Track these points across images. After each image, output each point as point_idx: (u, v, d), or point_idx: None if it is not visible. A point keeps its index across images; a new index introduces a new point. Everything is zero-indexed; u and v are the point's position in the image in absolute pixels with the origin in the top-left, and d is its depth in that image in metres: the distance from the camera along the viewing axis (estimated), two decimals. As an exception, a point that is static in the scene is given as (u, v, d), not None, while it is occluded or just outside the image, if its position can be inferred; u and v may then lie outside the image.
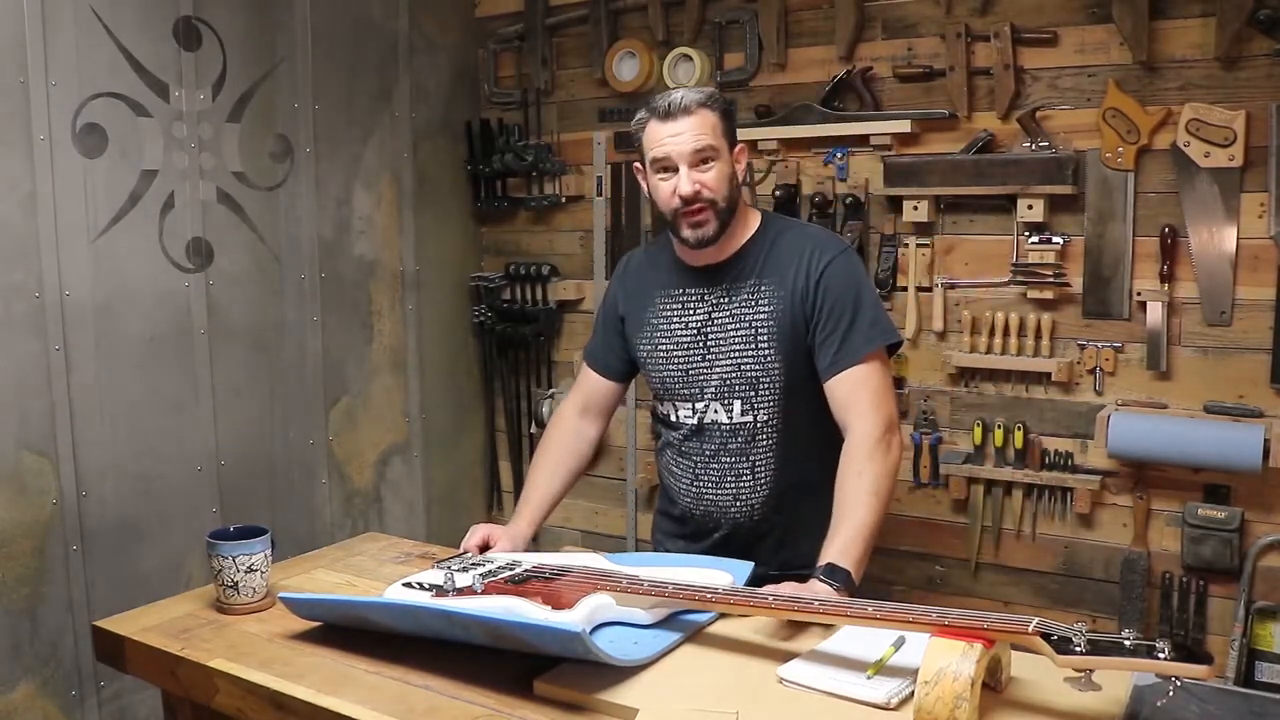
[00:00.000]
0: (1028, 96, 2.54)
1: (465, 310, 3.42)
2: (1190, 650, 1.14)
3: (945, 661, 1.21)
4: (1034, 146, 2.50)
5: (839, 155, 2.78)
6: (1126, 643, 1.17)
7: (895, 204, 2.70)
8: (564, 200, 3.26)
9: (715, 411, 1.90)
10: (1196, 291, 2.41)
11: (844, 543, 1.67)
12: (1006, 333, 2.59)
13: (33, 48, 2.26)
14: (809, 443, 1.89)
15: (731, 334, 1.88)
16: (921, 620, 1.30)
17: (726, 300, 1.89)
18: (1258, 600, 2.40)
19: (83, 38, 2.35)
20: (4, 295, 2.26)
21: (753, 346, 1.86)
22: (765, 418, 1.88)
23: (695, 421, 1.92)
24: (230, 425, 2.73)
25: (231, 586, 1.67)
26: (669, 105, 1.81)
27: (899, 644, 1.41)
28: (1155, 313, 2.43)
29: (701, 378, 1.90)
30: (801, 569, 1.79)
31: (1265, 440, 2.26)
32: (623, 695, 1.34)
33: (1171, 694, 1.17)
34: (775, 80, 2.87)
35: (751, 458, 1.90)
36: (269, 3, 2.75)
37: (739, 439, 1.90)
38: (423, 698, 1.38)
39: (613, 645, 1.43)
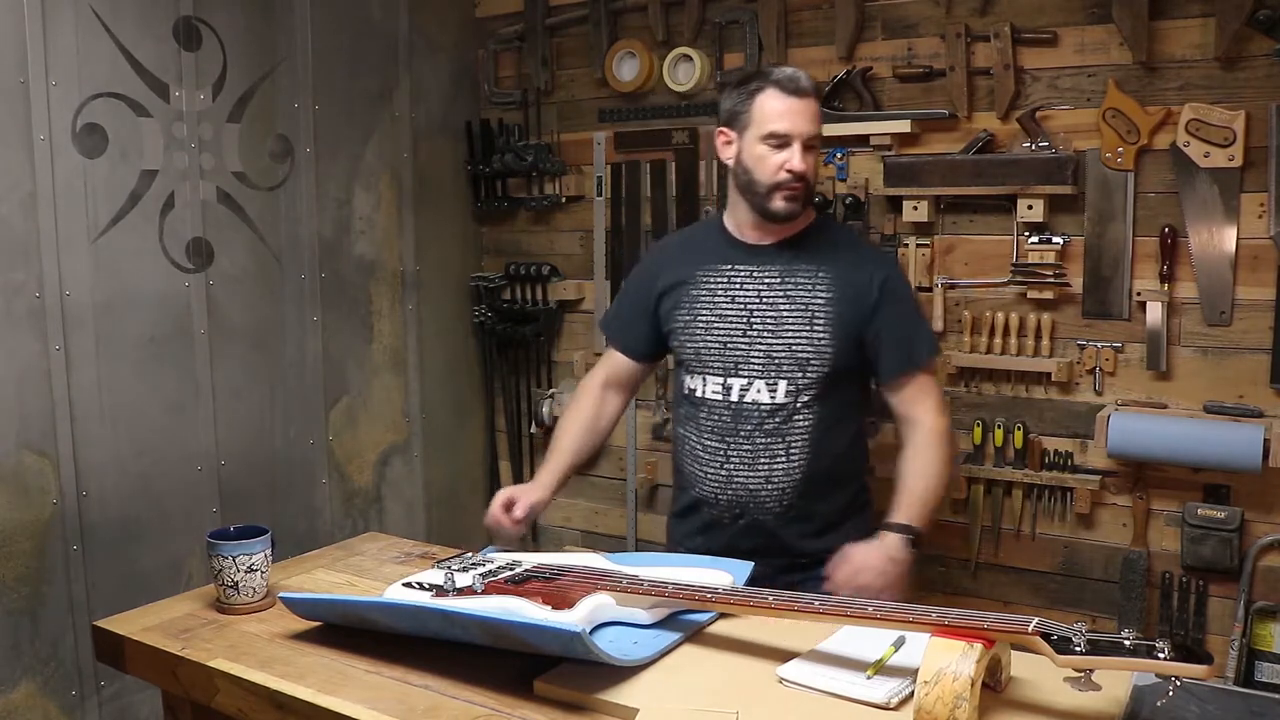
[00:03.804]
0: (1028, 96, 2.54)
1: (465, 310, 3.42)
2: (1190, 650, 1.14)
3: (945, 661, 1.21)
4: (1034, 146, 2.50)
5: (839, 155, 2.78)
6: (1126, 643, 1.17)
7: (895, 204, 2.70)
8: (564, 200, 3.26)
9: (758, 390, 1.92)
10: (1196, 291, 2.41)
11: (910, 503, 1.87)
12: (1006, 333, 2.59)
13: (33, 48, 2.26)
14: (840, 433, 1.97)
15: (785, 313, 1.92)
16: (921, 620, 1.30)
17: (779, 281, 1.93)
18: (1257, 600, 2.40)
19: (83, 38, 2.36)
20: (4, 295, 2.26)
21: (808, 328, 1.91)
22: (807, 400, 1.92)
23: (729, 398, 1.94)
24: (230, 425, 2.73)
25: (231, 586, 1.67)
26: (798, 82, 1.85)
27: (899, 644, 1.41)
28: (1155, 313, 2.44)
29: (739, 353, 1.93)
30: (815, 564, 1.90)
31: (1265, 440, 2.26)
32: (623, 695, 1.34)
33: (1171, 694, 1.17)
34: (775, 80, 2.87)
35: (787, 439, 1.93)
36: (269, 3, 2.75)
37: (776, 419, 1.92)
38: (423, 697, 1.38)
39: (613, 645, 1.43)
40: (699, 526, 2.04)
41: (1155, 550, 2.51)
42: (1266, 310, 2.34)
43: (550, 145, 3.26)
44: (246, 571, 1.67)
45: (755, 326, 1.93)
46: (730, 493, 1.97)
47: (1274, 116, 2.27)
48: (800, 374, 1.91)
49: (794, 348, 1.91)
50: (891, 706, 1.30)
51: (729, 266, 1.97)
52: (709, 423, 1.98)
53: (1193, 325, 2.43)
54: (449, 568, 1.68)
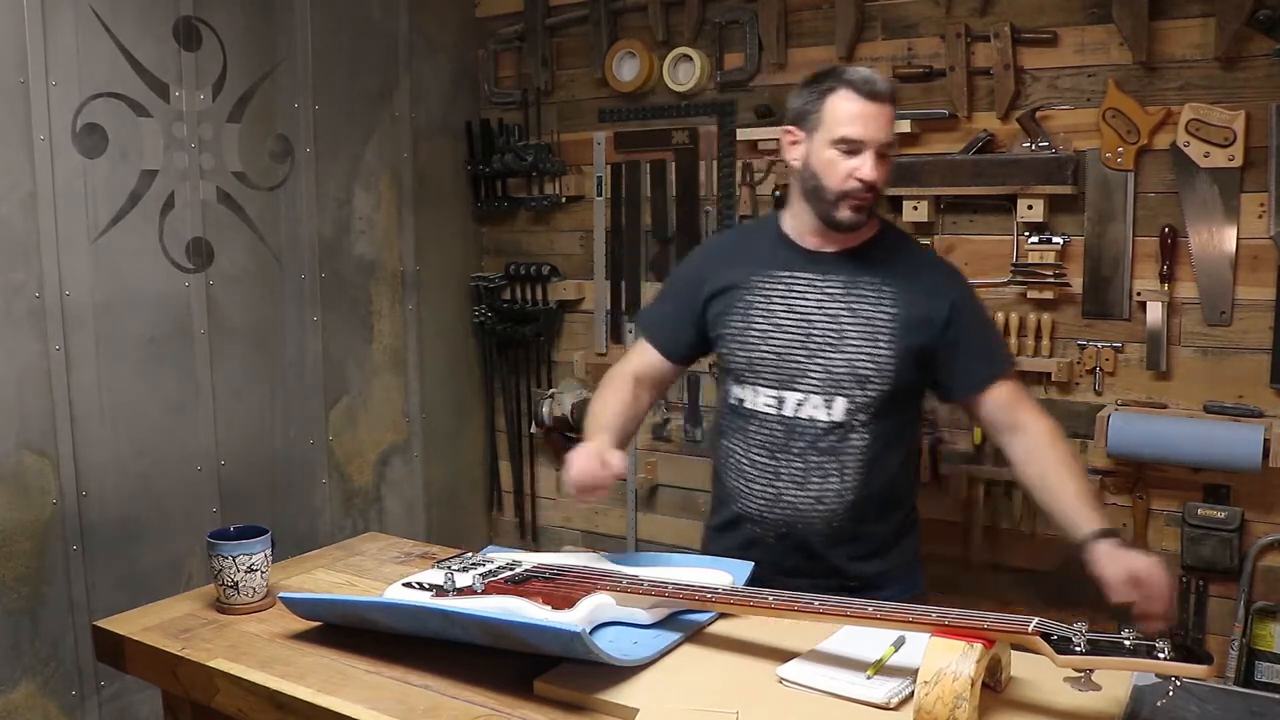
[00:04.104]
0: (1028, 96, 2.54)
1: (465, 310, 3.42)
2: (1190, 650, 1.14)
3: (945, 661, 1.21)
4: (1034, 146, 2.50)
5: (839, 155, 2.77)
6: (1126, 643, 1.17)
7: (895, 204, 2.70)
8: (564, 200, 3.26)
9: (814, 406, 1.83)
10: (1196, 291, 2.41)
11: (1090, 505, 1.74)
12: (1006, 332, 2.58)
13: (33, 48, 2.26)
14: (894, 453, 1.88)
15: (847, 327, 1.82)
16: (921, 620, 1.30)
17: (843, 293, 1.83)
18: (1258, 600, 2.40)
19: (83, 38, 2.36)
20: (4, 295, 2.26)
21: (871, 344, 1.81)
22: (864, 419, 1.82)
23: (781, 412, 1.85)
24: (230, 425, 2.73)
25: (231, 586, 1.67)
26: (874, 85, 1.75)
27: (899, 644, 1.41)
28: (1155, 313, 2.43)
29: (795, 365, 1.83)
30: (862, 586, 1.82)
31: (1265, 440, 2.25)
32: (623, 695, 1.34)
33: (1171, 694, 1.17)
34: (775, 80, 2.87)
35: (842, 458, 1.83)
36: (269, 3, 2.75)
37: (832, 437, 1.83)
38: (423, 697, 1.38)
39: (613, 645, 1.43)
40: (741, 543, 1.91)
41: (1155, 550, 2.51)
42: (1266, 310, 2.34)
43: (550, 145, 3.26)
44: (246, 571, 1.67)
45: (815, 339, 1.82)
46: (778, 512, 1.86)
47: (1274, 116, 2.27)
48: (860, 391, 1.81)
49: (855, 364, 1.80)
50: (891, 706, 1.30)
51: (788, 273, 1.86)
52: (759, 437, 1.87)
53: (1193, 325, 2.43)
54: (449, 568, 1.68)
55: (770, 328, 1.84)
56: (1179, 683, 1.17)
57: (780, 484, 1.85)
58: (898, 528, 1.95)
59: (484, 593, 1.55)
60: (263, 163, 2.77)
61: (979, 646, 1.22)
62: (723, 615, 1.57)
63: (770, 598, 1.44)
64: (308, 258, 2.90)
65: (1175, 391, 2.45)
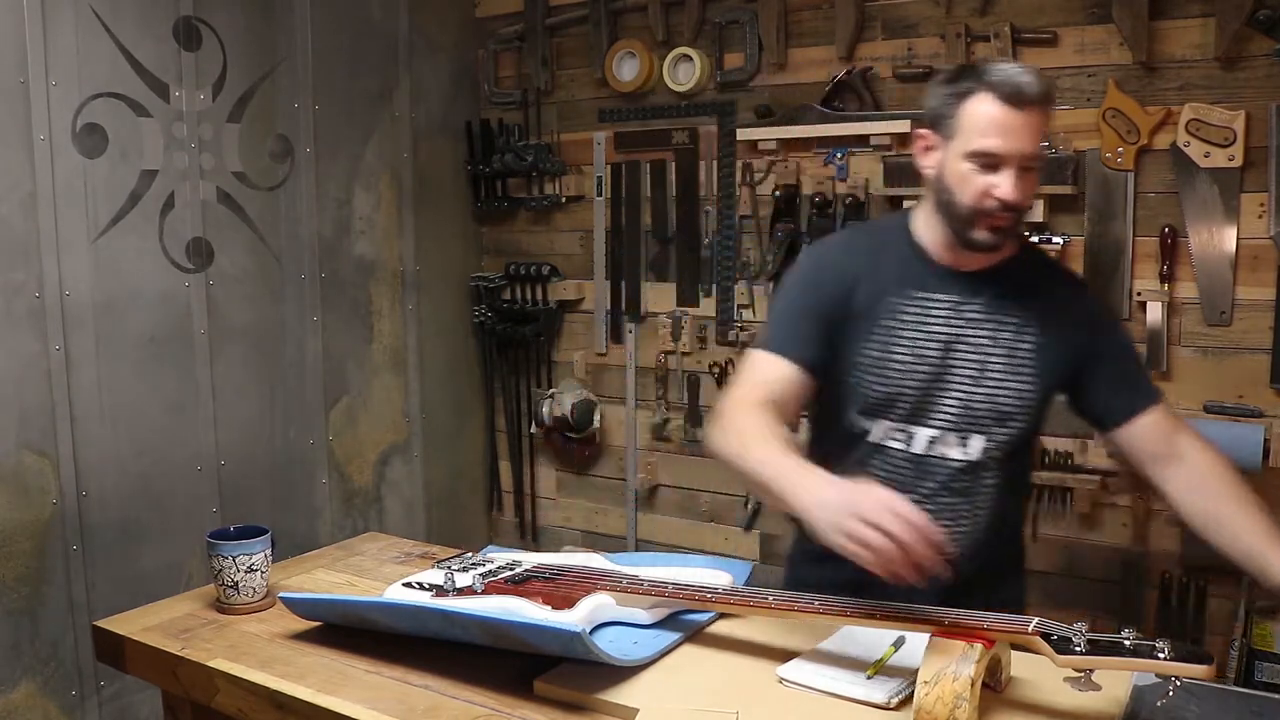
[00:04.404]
0: (1028, 96, 2.53)
1: (465, 310, 3.42)
2: (1190, 650, 1.14)
3: (945, 661, 1.21)
4: (1034, 146, 2.50)
5: (839, 155, 2.78)
6: (1126, 643, 1.17)
7: (895, 204, 2.70)
8: (564, 200, 3.26)
9: (946, 443, 1.64)
10: (1196, 291, 2.41)
11: None
12: (1006, 333, 2.59)
13: (33, 48, 2.26)
14: (1019, 487, 1.76)
15: (990, 357, 1.62)
16: (921, 620, 1.30)
17: (984, 319, 1.62)
18: (1258, 600, 2.39)
19: (83, 38, 2.36)
20: (4, 295, 2.26)
21: (1014, 377, 1.62)
22: (999, 456, 1.66)
23: (910, 449, 1.65)
24: (230, 425, 2.73)
25: (231, 586, 1.67)
26: (1020, 90, 1.50)
27: (899, 644, 1.41)
28: (1155, 312, 2.43)
29: (931, 399, 1.63)
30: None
31: (1265, 440, 2.26)
32: (623, 695, 1.34)
33: (1171, 694, 1.17)
34: (775, 80, 2.87)
35: (973, 498, 1.66)
36: (269, 3, 2.75)
37: (965, 478, 1.65)
38: (423, 697, 1.38)
39: (613, 645, 1.43)
40: (845, 582, 1.51)
41: (1155, 550, 2.51)
42: (1266, 310, 2.34)
43: (550, 145, 3.26)
44: (246, 571, 1.67)
45: (953, 370, 1.62)
46: None
47: (1274, 116, 2.27)
48: (999, 429, 1.63)
49: (997, 399, 1.62)
50: (891, 706, 1.30)
51: (925, 295, 1.63)
52: (882, 473, 1.65)
53: (1193, 325, 2.43)
54: (449, 568, 1.68)
55: (910, 359, 1.62)
56: (1179, 683, 1.17)
57: None
58: (1011, 567, 1.83)
59: (484, 593, 1.55)
60: (263, 163, 2.77)
61: (979, 646, 1.22)
62: (723, 615, 1.57)
63: (770, 598, 1.44)
64: (308, 258, 2.90)
65: (1175, 391, 2.45)
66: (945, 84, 1.57)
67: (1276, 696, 1.42)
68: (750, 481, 1.51)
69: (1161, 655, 1.14)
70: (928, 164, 1.61)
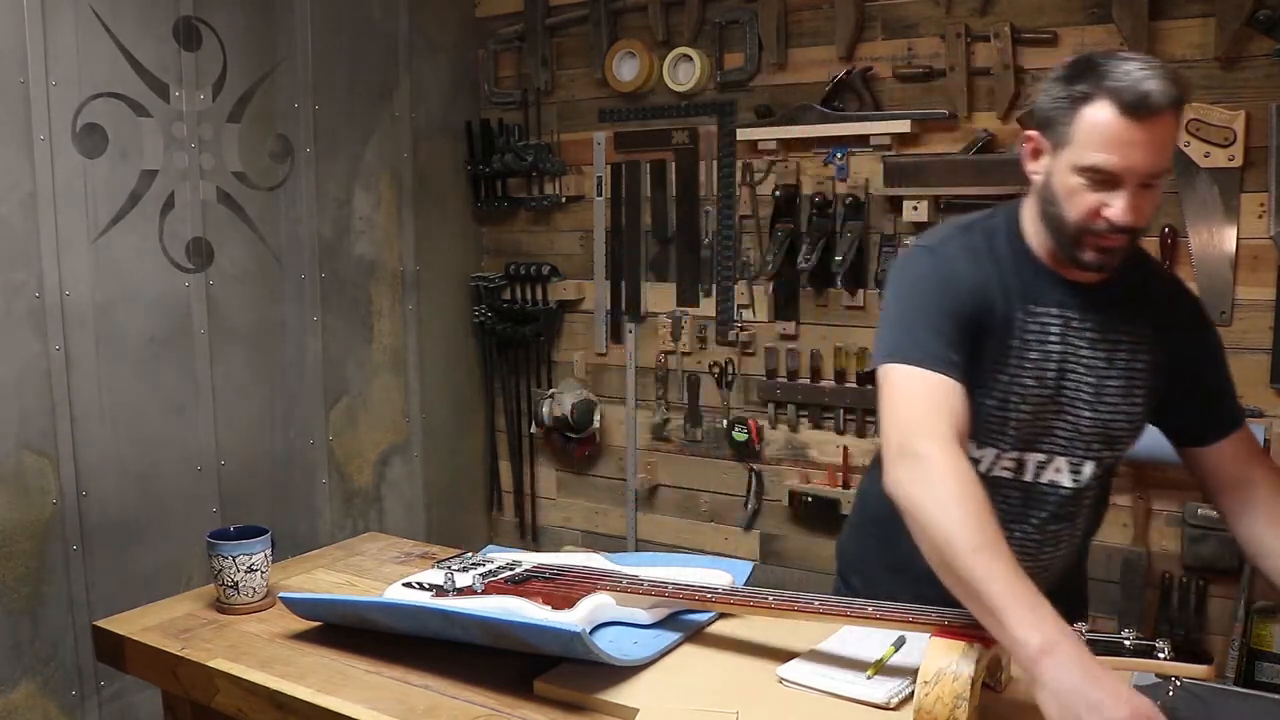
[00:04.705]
0: (1028, 96, 2.53)
1: (465, 310, 3.42)
2: (1190, 650, 1.14)
3: (945, 661, 1.21)
4: (1034, 146, 2.50)
5: (839, 155, 2.78)
6: (1126, 643, 1.17)
7: (895, 204, 2.70)
8: (564, 200, 3.26)
9: (1057, 469, 1.51)
10: (1196, 291, 2.41)
11: None
12: (1006, 333, 2.58)
13: (33, 48, 2.26)
14: (1107, 498, 1.67)
15: (1105, 380, 1.48)
16: (921, 620, 1.30)
17: (1100, 338, 1.47)
18: (1258, 600, 2.39)
19: (83, 38, 2.36)
20: (4, 295, 2.26)
21: (1127, 400, 1.49)
22: (1103, 480, 1.57)
23: (1020, 477, 1.52)
24: (230, 425, 2.73)
25: (231, 586, 1.67)
26: (1146, 99, 1.29)
27: (899, 644, 1.41)
28: (1155, 313, 2.43)
29: (1042, 423, 1.49)
30: None
31: (1265, 440, 2.25)
32: (623, 695, 1.34)
33: (1171, 694, 1.17)
34: (775, 80, 2.87)
35: (1075, 523, 1.57)
36: (269, 3, 2.75)
37: (1071, 504, 1.54)
38: (423, 697, 1.38)
39: (613, 645, 1.43)
40: (934, 596, 1.32)
41: (1155, 550, 2.51)
42: (1266, 310, 2.34)
43: (550, 145, 3.26)
44: (246, 571, 1.67)
45: (1066, 391, 1.47)
46: None
47: (1274, 116, 2.27)
48: (1108, 452, 1.52)
49: (1109, 423, 1.49)
50: (891, 706, 1.30)
51: (1042, 310, 1.46)
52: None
53: (1193, 325, 2.43)
54: (449, 568, 1.68)
55: (1032, 382, 1.46)
56: (1179, 683, 1.17)
57: None
58: (1078, 577, 1.75)
59: (484, 593, 1.55)
60: (263, 163, 2.77)
61: (979, 646, 1.22)
62: (723, 615, 1.57)
63: (770, 598, 1.44)
64: (308, 258, 2.90)
65: (1175, 391, 2.45)
66: (1060, 82, 1.38)
67: (1276, 696, 1.42)
68: (956, 575, 1.22)
69: (1161, 655, 1.14)
70: (1033, 169, 1.44)
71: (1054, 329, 1.46)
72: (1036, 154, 1.43)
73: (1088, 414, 1.48)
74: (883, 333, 1.47)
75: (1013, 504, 1.52)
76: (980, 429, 1.46)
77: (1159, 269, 1.63)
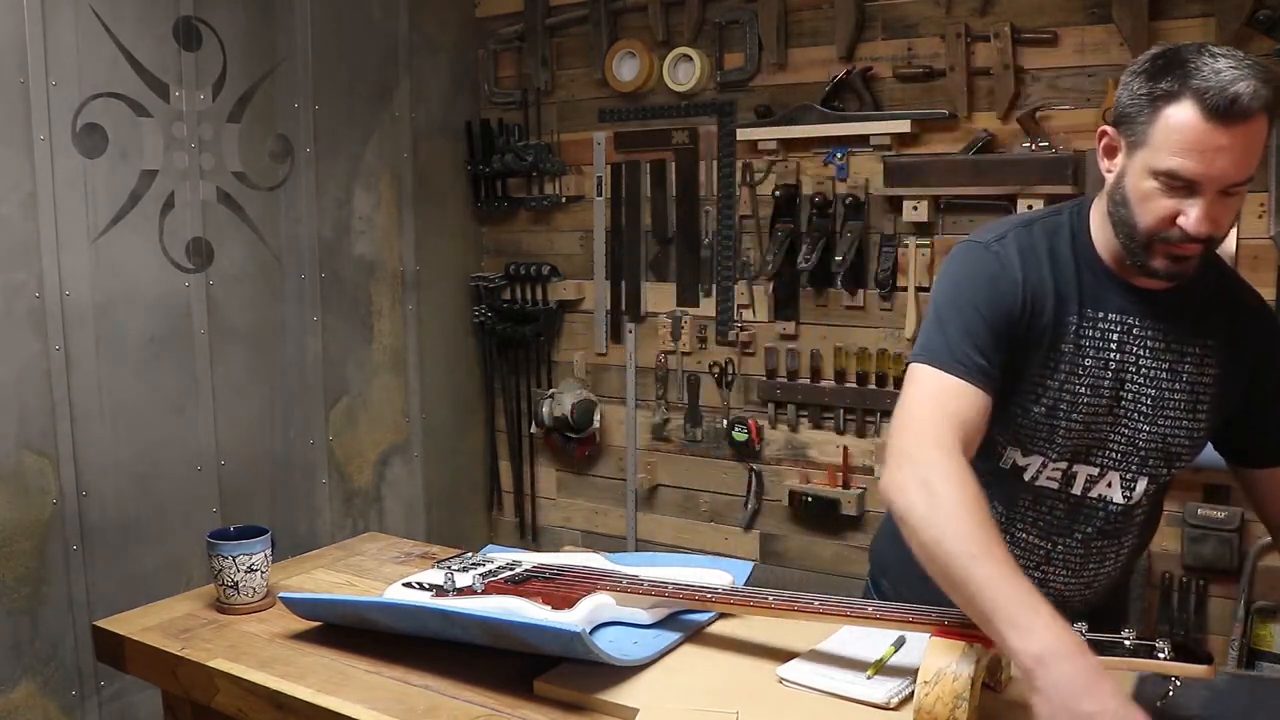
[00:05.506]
0: (1028, 96, 2.54)
1: (465, 310, 3.42)
2: (1190, 650, 1.14)
3: (945, 661, 1.21)
4: (1034, 146, 2.50)
5: (839, 155, 2.78)
6: (1126, 643, 1.17)
7: (895, 204, 2.70)
8: (564, 200, 3.26)
9: (1108, 483, 1.45)
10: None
11: None
12: (1006, 333, 2.58)
13: (33, 48, 2.26)
14: (1159, 514, 1.59)
15: (1167, 393, 1.40)
16: (921, 620, 1.29)
17: (1164, 348, 1.39)
18: (1258, 600, 2.40)
19: (83, 38, 2.36)
20: (4, 295, 2.26)
21: (1189, 416, 1.41)
22: (1156, 496, 1.51)
23: (1069, 490, 1.45)
24: (230, 425, 2.73)
25: (231, 586, 1.67)
26: (1235, 102, 1.19)
27: (899, 644, 1.41)
28: (1155, 313, 2.43)
29: (1097, 434, 1.42)
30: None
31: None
32: (623, 695, 1.34)
33: (1171, 694, 1.17)
34: (775, 80, 2.87)
35: (1122, 540, 1.50)
36: (269, 3, 2.75)
37: (1120, 521, 1.47)
38: (423, 697, 1.38)
39: (613, 645, 1.43)
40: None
41: (1155, 550, 2.51)
42: (1266, 310, 2.34)
43: (550, 145, 3.26)
44: (246, 571, 1.67)
45: (1124, 404, 1.40)
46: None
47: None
48: (1165, 469, 1.44)
49: (1168, 439, 1.41)
50: (891, 706, 1.30)
51: (1102, 314, 1.39)
52: (1032, 514, 1.47)
53: (1193, 325, 2.43)
54: (449, 568, 1.68)
55: (1085, 390, 1.39)
56: (1179, 683, 1.17)
57: (1050, 569, 1.50)
58: (1119, 594, 1.69)
59: (484, 593, 1.55)
60: (263, 163, 2.77)
61: (979, 646, 1.22)
62: (723, 615, 1.57)
63: (770, 598, 1.44)
64: (308, 258, 2.90)
65: (1175, 391, 2.45)
66: (1141, 77, 1.27)
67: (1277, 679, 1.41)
68: (951, 580, 1.19)
69: (1161, 655, 1.14)
70: (1106, 166, 1.35)
71: (1113, 336, 1.39)
72: (1110, 151, 1.34)
73: (1146, 428, 1.41)
74: (923, 327, 1.43)
75: (1058, 516, 1.47)
76: (1027, 436, 1.42)
77: (1233, 276, 1.50)
